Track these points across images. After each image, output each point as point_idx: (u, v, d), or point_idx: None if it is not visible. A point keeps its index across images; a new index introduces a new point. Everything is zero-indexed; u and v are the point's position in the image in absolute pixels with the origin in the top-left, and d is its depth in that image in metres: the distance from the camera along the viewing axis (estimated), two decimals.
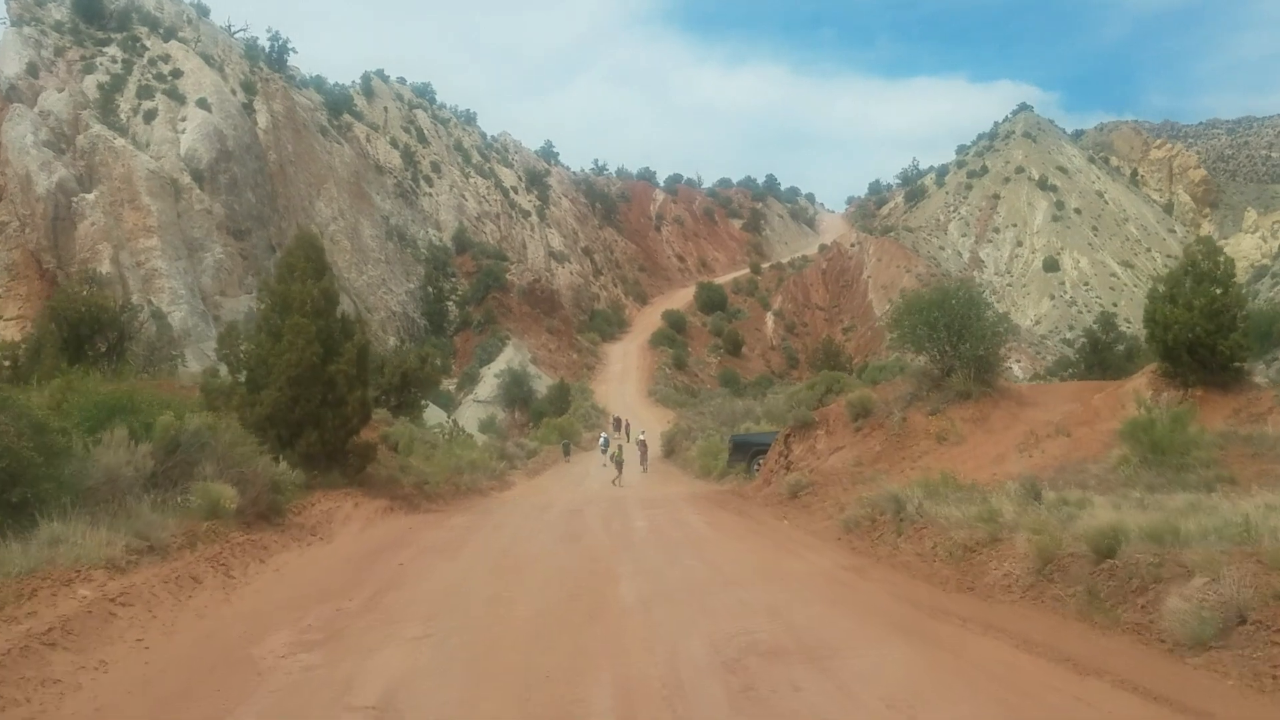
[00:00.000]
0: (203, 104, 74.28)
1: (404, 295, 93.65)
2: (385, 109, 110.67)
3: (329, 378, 16.27)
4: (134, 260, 67.23)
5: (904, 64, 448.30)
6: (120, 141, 68.94)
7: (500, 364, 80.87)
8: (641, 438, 45.42)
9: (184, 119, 73.91)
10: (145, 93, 73.34)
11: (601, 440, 49.05)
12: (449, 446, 32.08)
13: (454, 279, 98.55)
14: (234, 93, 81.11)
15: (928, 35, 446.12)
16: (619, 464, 34.29)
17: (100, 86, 72.49)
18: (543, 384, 78.15)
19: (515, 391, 75.38)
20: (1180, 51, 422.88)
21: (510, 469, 39.16)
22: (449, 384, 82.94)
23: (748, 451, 25.56)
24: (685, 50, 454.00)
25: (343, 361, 16.36)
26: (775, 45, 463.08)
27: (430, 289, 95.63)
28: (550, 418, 59.64)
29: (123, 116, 72.35)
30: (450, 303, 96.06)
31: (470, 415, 71.29)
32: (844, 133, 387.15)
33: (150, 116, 72.37)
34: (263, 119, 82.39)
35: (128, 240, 67.48)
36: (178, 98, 74.31)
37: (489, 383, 78.83)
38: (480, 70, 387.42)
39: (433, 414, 50.01)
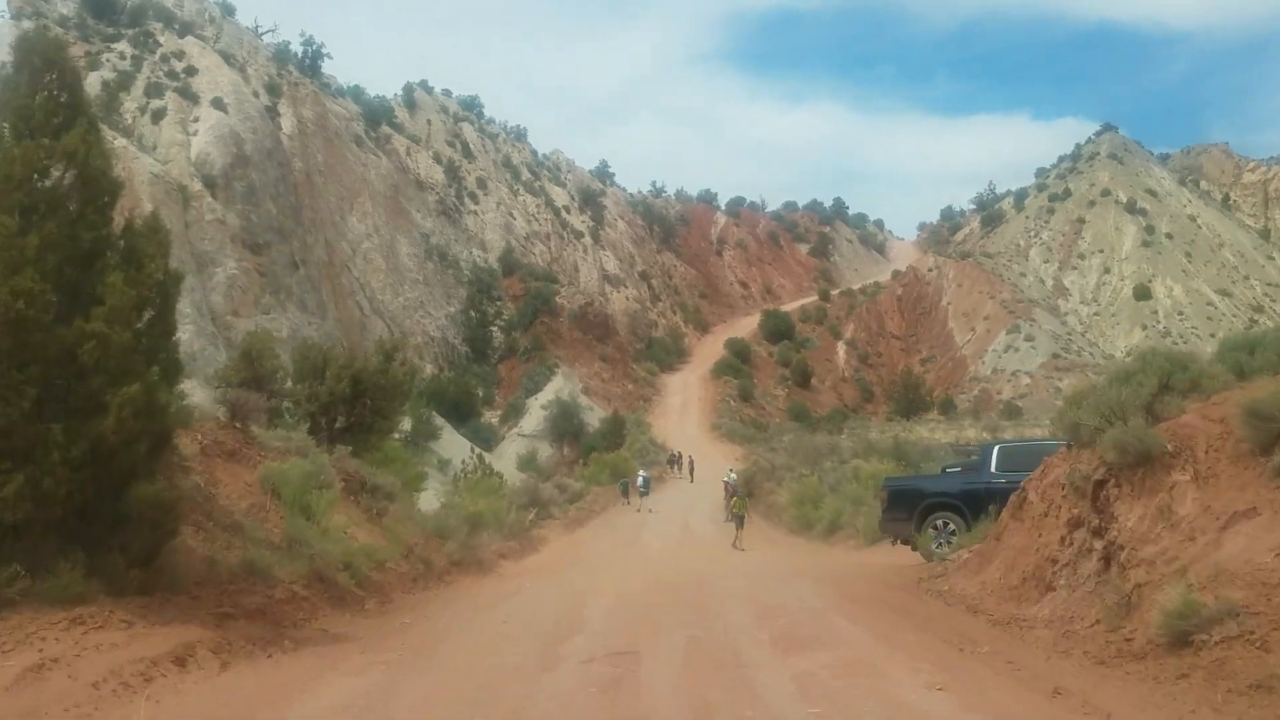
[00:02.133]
0: (218, 104, 66.70)
1: (444, 319, 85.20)
2: (429, 121, 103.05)
3: (66, 349, 7.01)
4: None
5: (965, 101, 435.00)
6: (121, 142, 61.31)
7: (548, 394, 71.71)
8: (731, 479, 35.60)
9: (196, 120, 66.38)
10: (154, 91, 65.95)
11: (640, 480, 38.86)
12: (452, 491, 22.62)
13: (499, 302, 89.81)
14: (256, 95, 73.66)
15: (988, 73, 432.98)
16: (740, 519, 25.09)
17: (104, 84, 65.23)
18: (595, 416, 68.75)
19: (564, 425, 66.11)
20: (1245, 87, 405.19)
21: (544, 519, 29.67)
22: (492, 416, 74.26)
23: (915, 506, 15.66)
24: (742, 88, 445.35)
25: (103, 316, 7.04)
26: (833, 83, 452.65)
27: (473, 313, 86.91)
28: (601, 453, 49.97)
29: (127, 116, 65.00)
30: (495, 328, 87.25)
31: (513, 451, 62.52)
32: (905, 169, 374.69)
33: (158, 116, 64.91)
34: (288, 124, 74.75)
35: None
36: (190, 96, 66.85)
37: (535, 415, 69.63)
38: (535, 110, 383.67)
39: (455, 447, 40.73)
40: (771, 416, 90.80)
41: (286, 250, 67.73)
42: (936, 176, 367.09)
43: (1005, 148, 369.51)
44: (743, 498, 27.66)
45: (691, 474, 51.95)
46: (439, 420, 46.68)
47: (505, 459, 58.83)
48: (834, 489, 28.83)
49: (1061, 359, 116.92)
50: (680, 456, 56.49)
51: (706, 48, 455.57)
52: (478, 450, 35.85)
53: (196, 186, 63.27)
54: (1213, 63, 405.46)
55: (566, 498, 36.12)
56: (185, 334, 58.86)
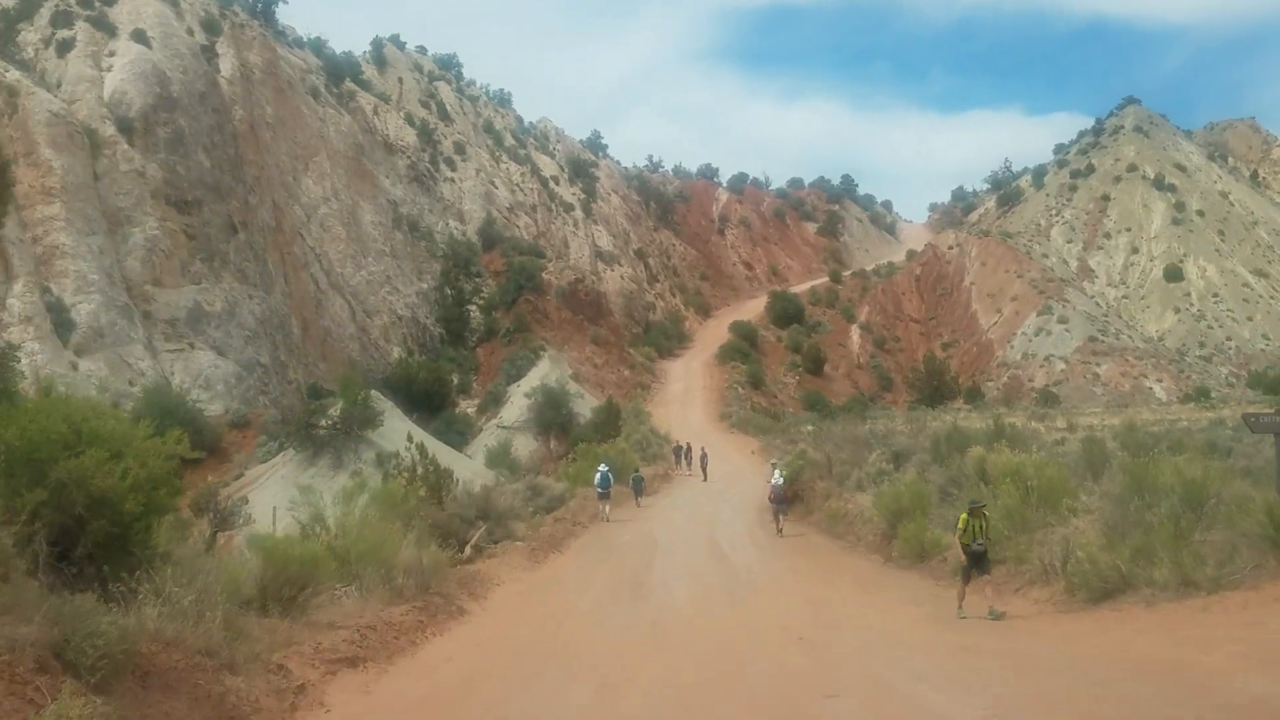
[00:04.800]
0: (139, 37, 56.65)
1: (414, 296, 75.15)
2: (400, 80, 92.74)
3: None
4: (27, 234, 49.72)
5: (959, 97, 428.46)
6: (13, 75, 51.22)
7: (533, 380, 61.93)
8: (778, 481, 25.42)
9: (112, 54, 56.33)
10: (61, 20, 55.93)
11: (598, 478, 28.70)
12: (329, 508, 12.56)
13: (479, 279, 79.62)
14: (191, 32, 63.46)
15: (982, 68, 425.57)
16: (981, 559, 12.79)
17: (4, 13, 55.15)
18: (586, 405, 58.74)
19: (551, 414, 56.27)
20: (1243, 81, 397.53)
21: (501, 539, 19.50)
22: (468, 406, 64.22)
23: None
24: (740, 85, 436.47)
25: None
26: (830, 79, 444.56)
27: (448, 290, 76.74)
28: (592, 445, 39.72)
29: (28, 49, 54.89)
30: (473, 307, 77.05)
31: (489, 446, 52.66)
32: (901, 164, 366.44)
33: (65, 48, 54.90)
34: (228, 66, 64.47)
35: (20, 206, 49.81)
36: (105, 27, 56.80)
37: (518, 404, 59.76)
38: (532, 106, 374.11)
39: (393, 435, 30.51)
40: (783, 405, 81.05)
41: (223, 210, 57.61)
42: (932, 172, 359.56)
43: (998, 142, 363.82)
44: (980, 511, 13.40)
45: (704, 470, 41.73)
46: (383, 402, 36.50)
47: (476, 456, 48.90)
48: (946, 497, 18.60)
49: (1099, 342, 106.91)
50: (688, 449, 46.31)
51: (702, 44, 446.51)
52: (417, 439, 25.73)
53: (109, 130, 53.27)
54: (1211, 56, 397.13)
55: (539, 505, 25.91)
56: (91, 304, 48.71)
